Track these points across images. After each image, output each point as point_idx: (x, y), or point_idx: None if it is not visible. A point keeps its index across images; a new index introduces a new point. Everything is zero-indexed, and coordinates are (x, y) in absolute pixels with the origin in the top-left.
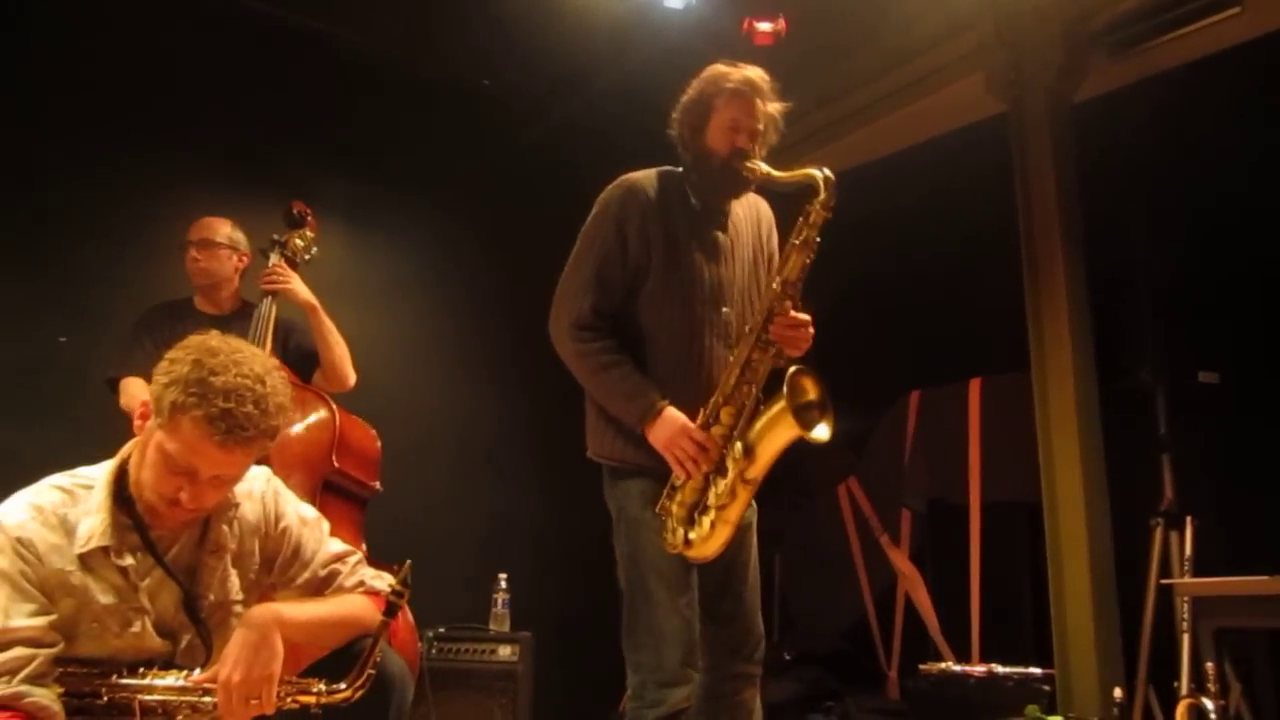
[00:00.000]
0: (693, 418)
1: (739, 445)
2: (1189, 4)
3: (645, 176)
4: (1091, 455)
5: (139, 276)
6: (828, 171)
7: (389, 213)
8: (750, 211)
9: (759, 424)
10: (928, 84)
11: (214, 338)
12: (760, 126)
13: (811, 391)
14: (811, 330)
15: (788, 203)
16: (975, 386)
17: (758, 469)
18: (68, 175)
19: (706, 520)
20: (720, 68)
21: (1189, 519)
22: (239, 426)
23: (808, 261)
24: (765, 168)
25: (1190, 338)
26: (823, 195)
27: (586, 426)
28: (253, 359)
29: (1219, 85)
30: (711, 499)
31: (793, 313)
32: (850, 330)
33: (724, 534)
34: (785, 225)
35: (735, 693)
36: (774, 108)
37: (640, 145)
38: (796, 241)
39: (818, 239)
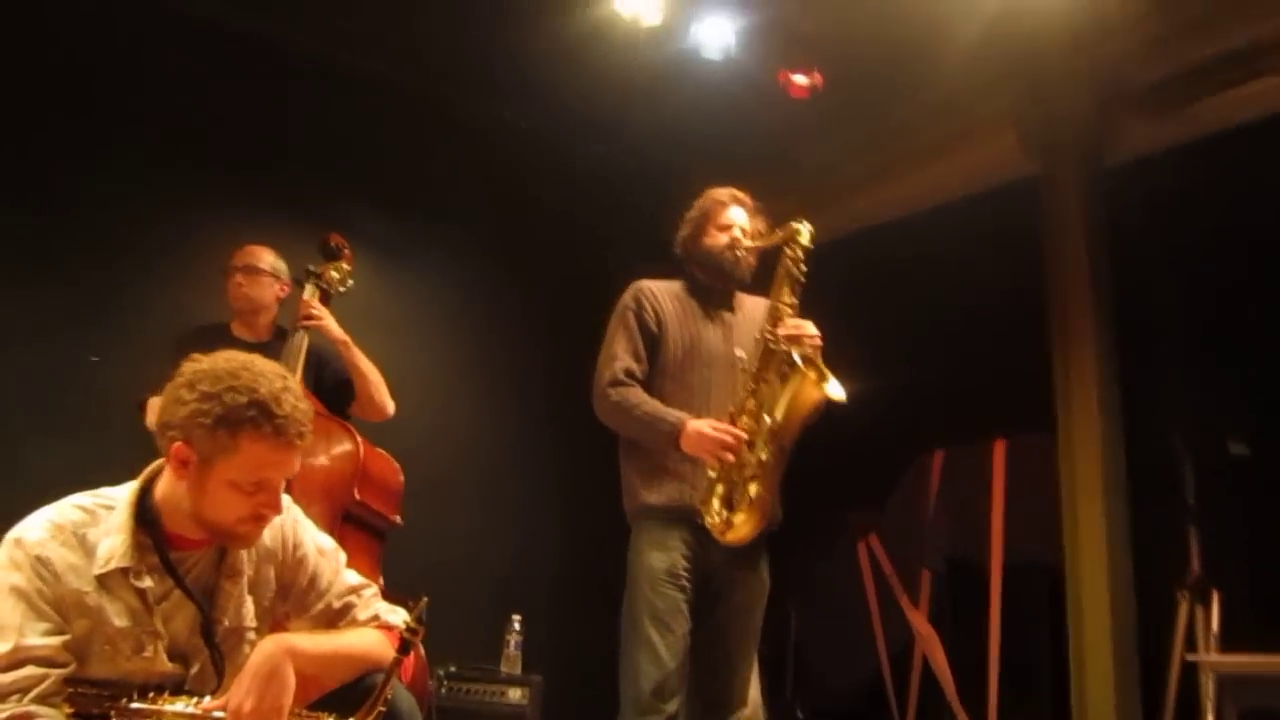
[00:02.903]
0: None
1: (766, 418)
2: (1228, 70)
3: (652, 281)
4: (1116, 523)
5: (169, 298)
6: (805, 222)
7: (421, 247)
8: (758, 306)
9: (783, 400)
10: (960, 142)
11: (216, 361)
12: (749, 228)
13: (817, 368)
14: (816, 333)
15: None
16: (1000, 448)
17: (786, 434)
18: (102, 196)
19: (746, 494)
20: (711, 189)
21: (1216, 592)
22: (299, 424)
23: (799, 286)
24: (753, 243)
25: (1221, 407)
26: (804, 234)
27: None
28: (259, 361)
29: (1255, 151)
30: (747, 471)
31: (792, 319)
32: (875, 387)
33: (762, 505)
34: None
35: None
36: (759, 223)
37: (672, 190)
38: (784, 269)
39: (804, 264)
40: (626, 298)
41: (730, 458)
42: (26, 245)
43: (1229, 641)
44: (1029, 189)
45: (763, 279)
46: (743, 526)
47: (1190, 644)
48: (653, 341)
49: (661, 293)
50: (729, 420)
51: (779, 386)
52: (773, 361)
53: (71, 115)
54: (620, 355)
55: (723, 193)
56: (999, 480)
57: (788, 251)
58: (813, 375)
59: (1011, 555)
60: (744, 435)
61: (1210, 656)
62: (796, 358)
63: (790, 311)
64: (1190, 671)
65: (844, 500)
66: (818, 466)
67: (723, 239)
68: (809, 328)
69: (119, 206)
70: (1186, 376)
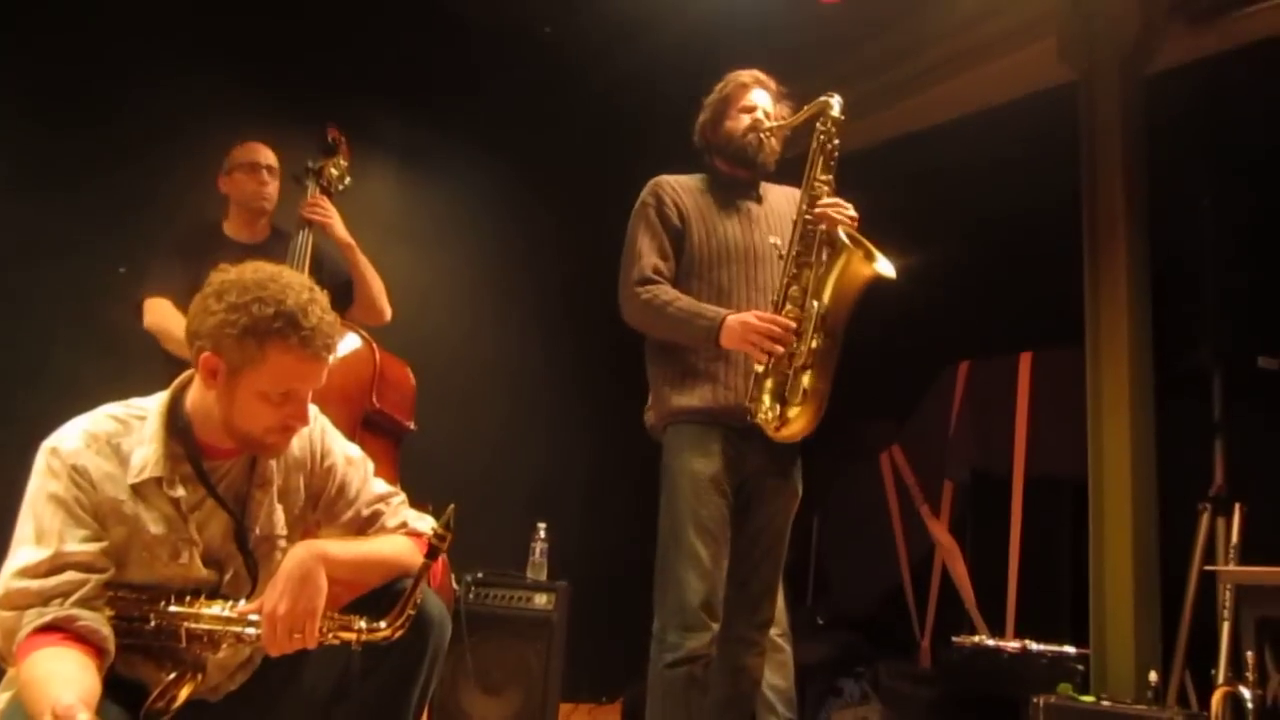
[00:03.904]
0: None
1: (814, 303)
2: None
3: (672, 175)
4: (1142, 436)
5: (195, 207)
6: (835, 94)
7: (445, 156)
8: (788, 196)
9: (829, 281)
10: (999, 48)
11: (244, 272)
12: (773, 112)
13: (864, 246)
14: (853, 211)
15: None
16: (1026, 360)
17: (836, 318)
18: (126, 106)
19: (799, 386)
20: (732, 71)
21: (1238, 505)
22: (326, 336)
23: (833, 162)
24: (779, 123)
25: (1253, 321)
26: (835, 105)
27: (650, 401)
28: (287, 273)
29: None
30: (798, 361)
31: (829, 196)
32: (902, 296)
33: (818, 399)
34: None
35: (737, 656)
36: (783, 109)
37: (699, 97)
38: (817, 143)
39: (837, 140)
40: (645, 194)
41: (779, 349)
42: (52, 158)
43: (1248, 554)
44: (1066, 97)
45: (788, 171)
46: (797, 420)
47: (1210, 556)
48: (677, 238)
49: (682, 188)
50: (771, 310)
51: (823, 268)
52: (813, 242)
53: (92, 25)
54: (646, 253)
55: (745, 74)
56: (1024, 392)
57: (819, 127)
58: (860, 252)
59: (1034, 467)
60: (791, 324)
61: (1228, 567)
62: (842, 235)
63: (827, 190)
64: (1209, 582)
65: (867, 410)
66: (841, 374)
67: (744, 121)
68: (847, 206)
69: (144, 116)
70: (1218, 290)
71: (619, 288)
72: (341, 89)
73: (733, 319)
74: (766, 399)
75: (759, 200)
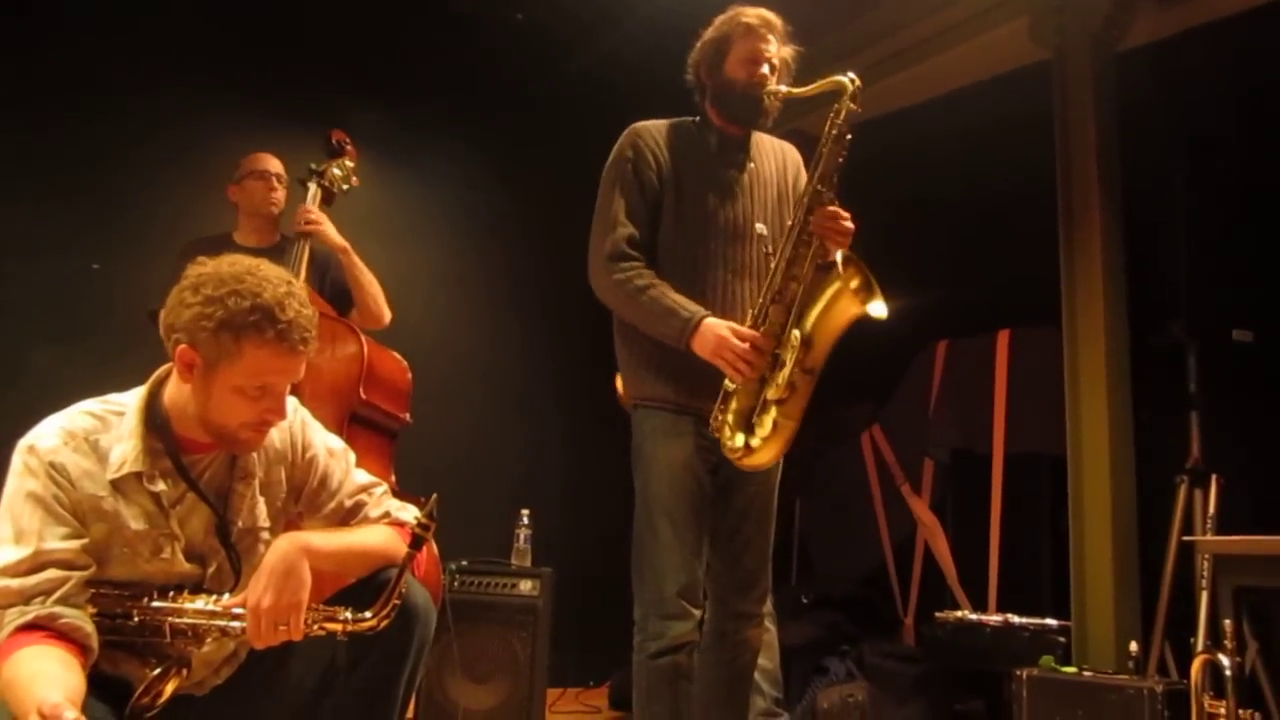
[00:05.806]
0: None
1: (795, 333)
2: None
3: (654, 122)
4: (1119, 411)
5: (172, 205)
6: (853, 75)
7: (421, 147)
8: (776, 153)
9: (814, 310)
10: (970, 28)
11: (220, 265)
12: (776, 62)
13: (861, 275)
14: (851, 225)
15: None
16: (1004, 338)
17: (817, 355)
18: (103, 104)
19: (768, 419)
20: (737, 7)
21: (1214, 477)
22: (303, 329)
23: (841, 160)
24: (785, 88)
25: (1226, 295)
26: (850, 91)
27: (621, 373)
28: (265, 266)
29: (1268, 36)
30: (771, 394)
31: (831, 207)
32: (880, 277)
33: (786, 433)
34: None
35: (737, 631)
36: (787, 52)
37: (678, 80)
38: (828, 140)
39: (849, 135)
40: (624, 145)
41: (752, 375)
42: (32, 157)
43: (1226, 525)
44: (1038, 76)
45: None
46: (762, 453)
47: (1188, 527)
48: (654, 200)
49: (663, 141)
50: (751, 323)
51: (811, 288)
52: (806, 254)
53: (71, 27)
54: (621, 220)
55: (750, 14)
56: (1002, 370)
57: (832, 116)
58: (854, 283)
59: (1013, 444)
60: (770, 346)
61: (1206, 538)
62: (839, 258)
63: (829, 196)
64: (1187, 552)
65: (848, 391)
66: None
67: (747, 72)
68: (845, 218)
69: (120, 115)
70: (1192, 264)
71: (589, 253)
72: (317, 81)
73: (708, 326)
74: (731, 419)
75: (748, 162)
